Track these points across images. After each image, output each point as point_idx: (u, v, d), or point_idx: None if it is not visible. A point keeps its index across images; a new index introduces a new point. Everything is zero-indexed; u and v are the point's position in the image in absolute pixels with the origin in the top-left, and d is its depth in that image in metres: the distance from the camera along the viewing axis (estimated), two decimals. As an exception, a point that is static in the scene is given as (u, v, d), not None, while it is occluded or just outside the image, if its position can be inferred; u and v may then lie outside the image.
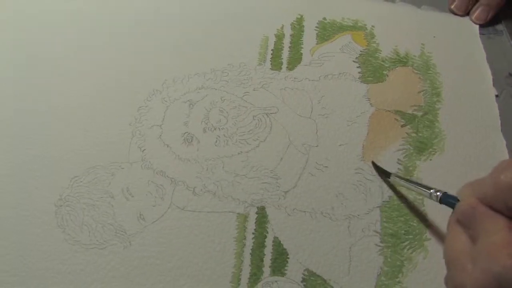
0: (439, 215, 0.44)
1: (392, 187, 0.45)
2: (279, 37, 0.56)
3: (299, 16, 0.58)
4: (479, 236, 0.32)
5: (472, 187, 0.34)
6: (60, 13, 0.57)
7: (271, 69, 0.53)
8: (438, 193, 0.38)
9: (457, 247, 0.33)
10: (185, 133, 0.48)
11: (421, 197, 0.45)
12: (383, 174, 0.45)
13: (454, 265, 0.33)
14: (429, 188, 0.39)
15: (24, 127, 0.48)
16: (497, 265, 0.28)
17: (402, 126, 0.50)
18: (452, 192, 0.37)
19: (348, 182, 0.46)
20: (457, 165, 0.48)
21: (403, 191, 0.45)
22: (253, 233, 0.43)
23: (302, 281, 0.41)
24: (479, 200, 0.33)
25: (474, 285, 0.30)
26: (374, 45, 0.56)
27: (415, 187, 0.41)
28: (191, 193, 0.44)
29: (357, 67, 0.54)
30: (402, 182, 0.43)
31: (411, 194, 0.45)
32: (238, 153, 0.47)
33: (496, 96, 0.53)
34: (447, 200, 0.37)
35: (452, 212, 0.36)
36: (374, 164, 0.46)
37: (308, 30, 0.57)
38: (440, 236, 0.43)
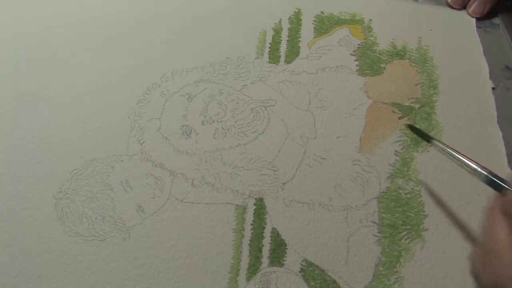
0: (437, 205, 0.44)
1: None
2: (277, 31, 0.56)
3: (297, 10, 0.58)
4: None
5: None
6: (60, 7, 0.57)
7: (269, 62, 0.53)
8: (484, 172, 0.35)
9: (500, 237, 0.32)
10: (184, 126, 0.48)
11: (418, 188, 0.45)
12: (423, 137, 0.43)
13: (494, 256, 0.32)
14: (475, 163, 0.36)
15: (23, 120, 0.48)
16: None
17: (399, 118, 0.50)
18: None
19: (346, 173, 0.46)
20: (454, 156, 0.48)
21: (400, 183, 0.45)
22: (251, 224, 0.43)
23: (300, 271, 0.41)
24: None
25: None
26: (372, 38, 0.56)
27: (459, 157, 0.37)
28: (190, 185, 0.45)
29: (355, 60, 0.54)
30: (445, 148, 0.39)
31: (408, 185, 0.46)
32: (237, 145, 0.47)
33: (493, 88, 0.53)
34: (493, 181, 0.34)
35: (498, 198, 0.34)
36: (411, 126, 0.46)
37: (306, 24, 0.57)
38: (437, 226, 0.44)
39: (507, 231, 0.32)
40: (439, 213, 0.44)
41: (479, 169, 0.35)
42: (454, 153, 0.38)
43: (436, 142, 0.41)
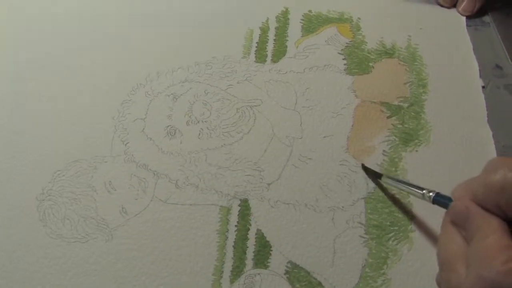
0: (425, 207, 0.44)
1: (382, 188, 0.45)
2: (264, 30, 0.56)
3: (284, 9, 0.58)
4: (473, 237, 0.31)
5: (465, 186, 0.33)
6: (43, 9, 0.57)
7: (256, 61, 0.53)
8: (430, 194, 0.36)
9: (452, 248, 0.32)
10: (168, 126, 0.47)
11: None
12: (374, 175, 0.45)
13: (448, 267, 0.32)
14: (422, 189, 0.37)
15: (5, 121, 0.48)
16: (491, 271, 0.27)
17: (387, 117, 0.49)
18: (442, 190, 0.36)
19: (332, 173, 0.45)
20: (443, 156, 0.47)
21: (394, 189, 0.45)
22: (236, 226, 0.42)
23: (285, 273, 0.40)
24: (472, 200, 0.32)
25: None
26: (360, 37, 0.56)
27: (407, 187, 0.40)
28: (174, 186, 0.44)
29: (343, 59, 0.54)
30: (394, 183, 0.42)
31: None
32: (222, 146, 0.46)
33: (483, 87, 0.52)
34: (440, 200, 0.36)
35: (446, 212, 0.35)
36: (364, 166, 0.46)
37: (293, 23, 0.57)
38: (425, 228, 0.43)
39: (459, 241, 0.32)
40: (427, 214, 0.44)
41: (425, 192, 0.37)
42: (402, 185, 0.41)
43: (385, 178, 0.43)
